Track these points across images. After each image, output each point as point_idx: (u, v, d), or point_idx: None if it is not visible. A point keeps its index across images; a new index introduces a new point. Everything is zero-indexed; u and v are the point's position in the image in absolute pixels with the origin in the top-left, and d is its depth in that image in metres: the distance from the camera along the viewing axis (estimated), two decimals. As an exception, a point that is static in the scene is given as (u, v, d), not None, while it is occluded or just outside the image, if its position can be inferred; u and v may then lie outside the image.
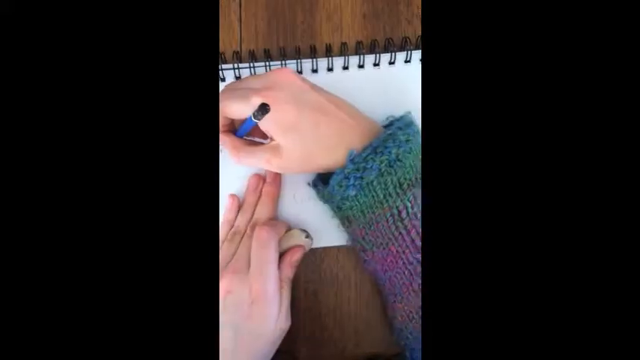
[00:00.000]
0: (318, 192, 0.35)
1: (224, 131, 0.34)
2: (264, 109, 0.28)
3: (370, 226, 0.31)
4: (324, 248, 0.38)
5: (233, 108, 0.31)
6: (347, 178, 0.30)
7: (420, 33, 0.39)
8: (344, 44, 0.37)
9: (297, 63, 0.37)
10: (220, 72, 0.38)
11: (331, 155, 0.31)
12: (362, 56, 0.37)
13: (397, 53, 0.37)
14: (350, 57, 0.37)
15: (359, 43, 0.38)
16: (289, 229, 0.36)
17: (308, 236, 0.36)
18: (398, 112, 0.34)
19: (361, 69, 0.38)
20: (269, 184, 0.37)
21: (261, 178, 0.38)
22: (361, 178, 0.30)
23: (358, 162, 0.30)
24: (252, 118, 0.29)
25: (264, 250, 0.33)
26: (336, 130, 0.31)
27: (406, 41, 0.37)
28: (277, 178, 0.37)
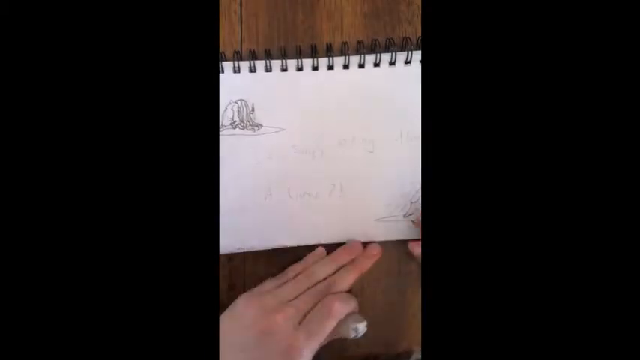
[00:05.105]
0: None
1: None
2: None
3: None
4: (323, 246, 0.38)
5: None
6: None
7: (420, 34, 0.39)
8: (344, 44, 0.38)
9: (297, 62, 0.37)
10: (220, 66, 0.38)
11: None
12: (363, 56, 0.38)
13: (398, 54, 0.38)
14: (351, 57, 0.37)
15: (360, 42, 0.38)
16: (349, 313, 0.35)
17: (357, 334, 0.35)
18: (398, 113, 0.34)
19: (361, 68, 0.38)
20: (367, 257, 0.37)
21: (361, 247, 0.37)
22: None
23: None
24: None
25: (327, 320, 0.32)
26: None
27: (407, 41, 0.38)
28: (377, 257, 0.37)
